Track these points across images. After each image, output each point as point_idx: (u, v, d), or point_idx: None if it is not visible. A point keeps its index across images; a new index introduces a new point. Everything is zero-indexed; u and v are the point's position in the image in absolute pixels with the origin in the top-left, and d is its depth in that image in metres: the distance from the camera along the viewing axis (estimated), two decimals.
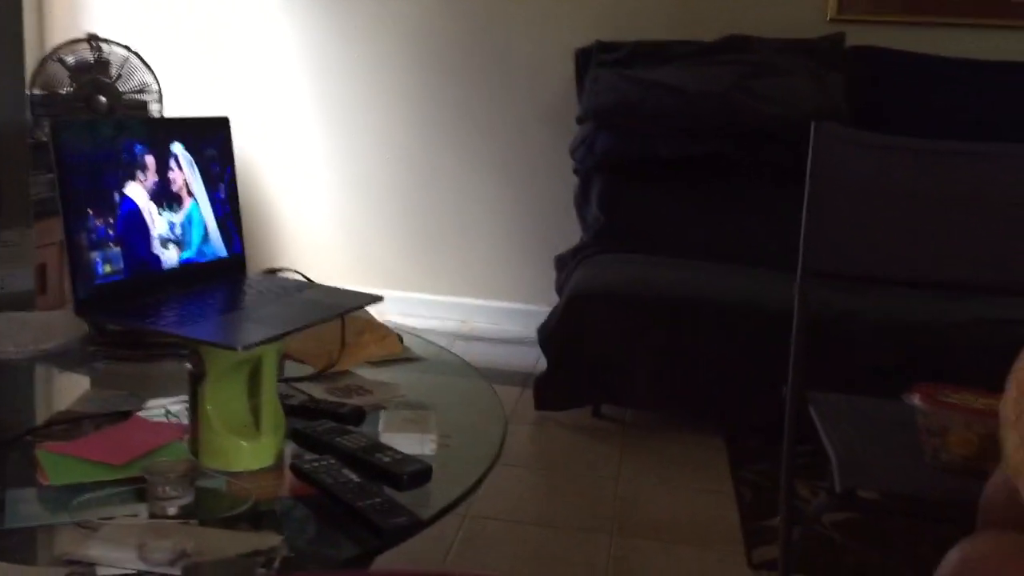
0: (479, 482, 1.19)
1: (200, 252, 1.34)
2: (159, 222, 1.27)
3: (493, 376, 2.98)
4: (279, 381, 1.37)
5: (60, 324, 1.61)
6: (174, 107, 3.46)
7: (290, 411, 1.26)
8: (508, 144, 3.49)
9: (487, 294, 3.59)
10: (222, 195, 1.38)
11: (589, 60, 3.20)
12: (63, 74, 3.03)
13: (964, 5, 3.14)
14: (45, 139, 2.95)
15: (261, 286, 1.33)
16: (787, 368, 1.75)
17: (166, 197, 1.29)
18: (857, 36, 3.11)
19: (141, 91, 3.13)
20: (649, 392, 2.54)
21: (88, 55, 3.06)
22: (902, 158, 1.61)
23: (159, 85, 3.15)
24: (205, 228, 1.36)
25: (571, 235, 3.26)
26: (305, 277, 1.41)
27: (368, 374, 1.52)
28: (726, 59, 3.09)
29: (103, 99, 3.05)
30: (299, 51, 3.56)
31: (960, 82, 3.01)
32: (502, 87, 3.45)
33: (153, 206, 1.26)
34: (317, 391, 1.42)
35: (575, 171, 3.24)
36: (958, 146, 1.62)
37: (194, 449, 1.15)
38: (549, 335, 2.62)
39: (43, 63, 3.04)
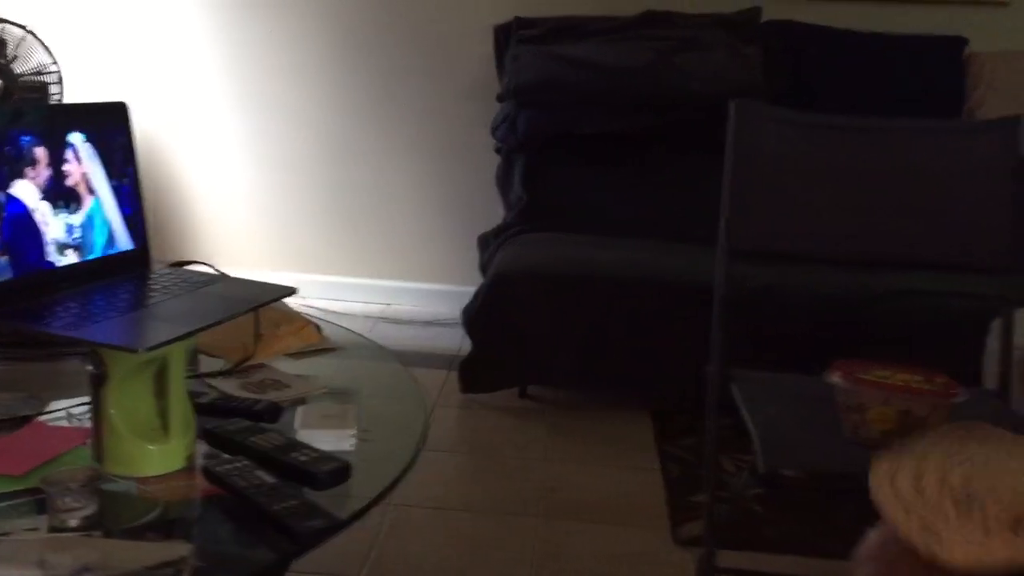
0: (400, 477, 1.16)
1: (104, 254, 1.26)
2: (54, 224, 1.18)
3: (418, 359, 2.95)
4: (192, 377, 1.32)
5: None
6: (76, 89, 3.32)
7: (202, 410, 1.21)
8: (428, 122, 3.43)
9: (410, 276, 3.54)
10: (128, 188, 1.30)
11: (508, 37, 3.16)
12: None
13: None
14: None
15: (167, 281, 1.27)
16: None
17: (62, 195, 1.19)
18: (773, 10, 3.13)
19: (39, 73, 2.99)
20: (575, 371, 2.53)
21: None
22: (821, 135, 1.62)
23: (59, 67, 3.01)
24: (110, 228, 1.27)
25: (493, 214, 3.23)
26: (215, 269, 1.35)
27: (286, 367, 1.47)
28: (646, 34, 3.08)
29: None
30: (207, 27, 3.44)
31: (876, 56, 3.05)
32: (421, 64, 3.39)
33: (46, 206, 1.17)
34: (231, 387, 1.36)
35: (497, 150, 3.21)
36: (877, 122, 1.64)
37: (97, 455, 1.10)
38: (473, 317, 2.59)
39: None
